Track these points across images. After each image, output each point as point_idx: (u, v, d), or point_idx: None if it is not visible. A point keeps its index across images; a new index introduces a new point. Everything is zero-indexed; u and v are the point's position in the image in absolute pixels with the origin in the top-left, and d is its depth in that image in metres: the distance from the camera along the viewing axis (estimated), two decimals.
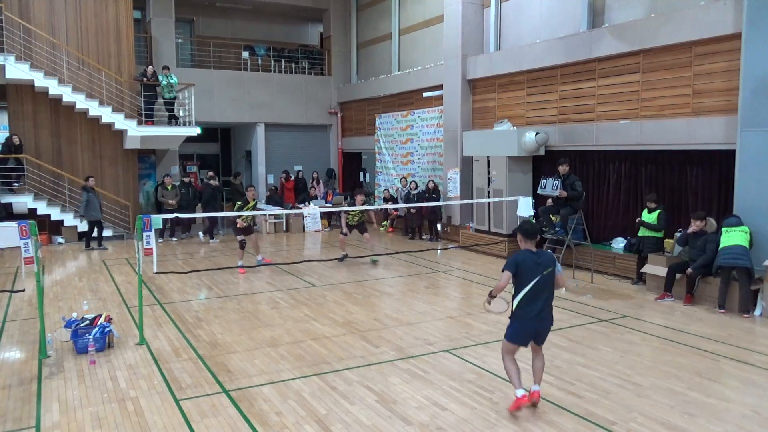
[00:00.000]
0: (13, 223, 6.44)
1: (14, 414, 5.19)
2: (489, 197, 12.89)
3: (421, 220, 15.25)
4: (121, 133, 15.44)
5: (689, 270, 8.71)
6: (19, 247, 6.38)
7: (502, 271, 5.08)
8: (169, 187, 15.07)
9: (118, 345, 6.97)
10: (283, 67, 20.82)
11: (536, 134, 11.92)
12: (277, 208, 16.50)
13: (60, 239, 14.81)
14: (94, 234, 14.10)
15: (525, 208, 9.71)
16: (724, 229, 8.42)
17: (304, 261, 12.14)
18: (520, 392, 5.09)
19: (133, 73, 15.78)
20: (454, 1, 14.25)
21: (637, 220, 9.96)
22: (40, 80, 14.11)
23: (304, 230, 16.95)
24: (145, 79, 15.41)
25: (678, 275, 8.93)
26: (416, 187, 15.56)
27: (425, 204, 13.42)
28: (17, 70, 13.83)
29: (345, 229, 11.87)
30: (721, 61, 9.19)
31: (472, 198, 13.63)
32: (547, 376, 5.65)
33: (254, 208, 11.66)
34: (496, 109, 13.79)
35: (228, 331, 7.53)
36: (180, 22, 19.62)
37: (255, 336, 7.33)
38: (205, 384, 5.81)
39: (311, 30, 23.47)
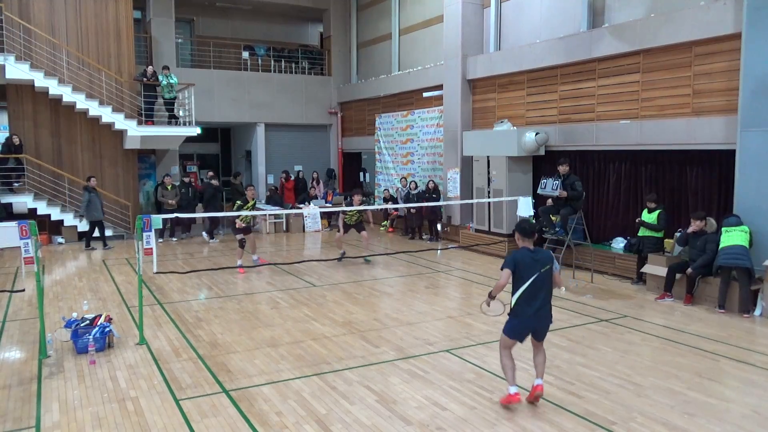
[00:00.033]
0: (13, 223, 6.44)
1: (14, 414, 5.19)
2: (489, 197, 12.89)
3: (421, 220, 15.25)
4: (121, 133, 15.44)
5: (689, 270, 8.71)
6: (19, 247, 6.39)
7: (501, 269, 5.14)
8: (169, 187, 15.07)
9: (118, 345, 6.97)
10: (283, 67, 20.82)
11: (536, 134, 11.92)
12: (277, 208, 16.50)
13: (60, 239, 14.81)
14: (96, 234, 14.10)
15: (525, 208, 9.71)
16: (723, 229, 8.42)
17: (304, 261, 12.15)
18: (513, 389, 5.16)
19: (133, 73, 15.78)
20: (454, 1, 14.25)
21: (637, 220, 9.96)
22: (40, 80, 14.11)
23: (304, 230, 16.95)
24: (145, 79, 15.41)
25: (678, 275, 8.94)
26: (416, 187, 15.56)
27: (425, 204, 13.44)
28: (17, 70, 13.83)
29: (341, 229, 11.93)
30: (721, 61, 9.19)
31: (472, 198, 13.63)
32: (547, 376, 5.65)
33: (253, 207, 11.66)
34: (496, 109, 13.79)
35: (228, 331, 7.53)
36: (180, 22, 19.63)
37: (255, 336, 7.34)
38: (205, 384, 5.81)
39: (311, 30, 23.48)
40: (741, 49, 8.58)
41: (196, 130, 15.92)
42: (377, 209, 17.69)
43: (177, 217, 10.59)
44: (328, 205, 17.86)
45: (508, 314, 5.27)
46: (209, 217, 15.04)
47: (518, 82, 13.08)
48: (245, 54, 20.44)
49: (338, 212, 12.02)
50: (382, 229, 17.40)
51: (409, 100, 17.25)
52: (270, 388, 5.69)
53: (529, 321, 5.18)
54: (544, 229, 10.49)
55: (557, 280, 5.29)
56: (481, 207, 13.41)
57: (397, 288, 10.06)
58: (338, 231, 12.08)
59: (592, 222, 11.45)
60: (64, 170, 14.95)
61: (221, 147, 23.05)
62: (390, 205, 16.38)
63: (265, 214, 15.96)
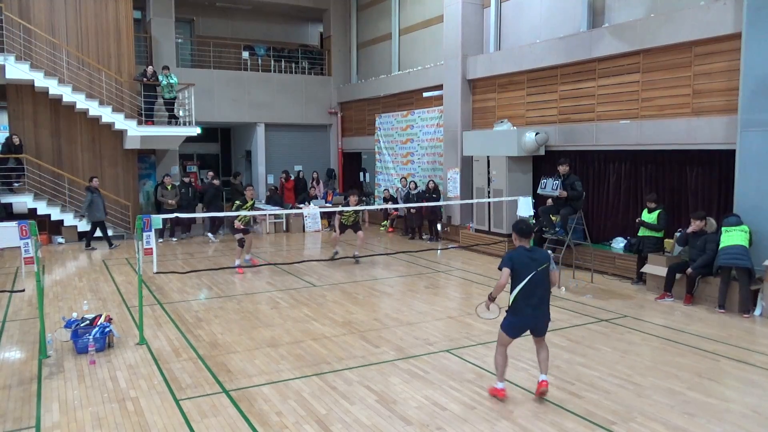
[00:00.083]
0: (13, 223, 6.44)
1: (14, 414, 5.19)
2: (489, 197, 12.89)
3: (421, 220, 15.25)
4: (121, 133, 15.44)
5: (689, 270, 8.71)
6: (19, 247, 6.38)
7: (499, 268, 5.24)
8: (168, 187, 15.07)
9: (118, 345, 6.97)
10: (283, 67, 20.82)
11: (536, 134, 11.92)
12: (277, 208, 16.51)
13: (60, 239, 14.81)
14: (99, 234, 14.10)
15: (525, 208, 9.71)
16: (723, 229, 8.42)
17: (304, 261, 12.15)
18: (500, 384, 5.38)
19: (133, 73, 15.78)
20: (454, 1, 14.25)
21: (637, 220, 9.96)
22: (40, 80, 14.11)
23: (304, 230, 16.95)
24: (145, 79, 15.41)
25: (678, 275, 8.94)
26: (416, 187, 15.56)
27: (425, 204, 13.44)
28: (17, 70, 13.83)
29: (337, 230, 11.98)
30: (720, 61, 9.19)
31: (472, 198, 13.63)
32: (547, 376, 5.65)
33: (252, 207, 11.67)
34: (496, 109, 13.79)
35: (228, 331, 7.53)
36: (180, 22, 19.62)
37: (255, 336, 7.34)
38: (205, 384, 5.81)
39: (311, 30, 23.47)
40: (741, 49, 8.59)
41: (196, 130, 15.92)
42: (377, 209, 17.71)
43: (177, 217, 10.59)
44: (328, 205, 17.85)
45: (506, 311, 5.37)
46: (212, 217, 15.01)
47: (518, 82, 13.08)
48: (245, 54, 20.44)
49: (335, 213, 12.06)
50: (381, 229, 17.40)
51: (409, 100, 17.26)
52: (270, 388, 5.69)
53: (526, 319, 5.28)
54: (544, 228, 10.49)
55: (554, 279, 5.37)
56: (481, 207, 13.41)
57: (397, 288, 10.06)
58: (334, 231, 12.10)
59: (592, 222, 11.45)
60: (64, 170, 14.95)
61: (221, 147, 23.06)
62: (390, 205, 16.39)
63: (265, 215, 15.95)
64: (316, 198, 18.75)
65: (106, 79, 15.27)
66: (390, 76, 18.16)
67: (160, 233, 14.71)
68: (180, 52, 19.24)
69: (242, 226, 11.15)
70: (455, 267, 11.82)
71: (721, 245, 8.35)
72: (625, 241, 10.90)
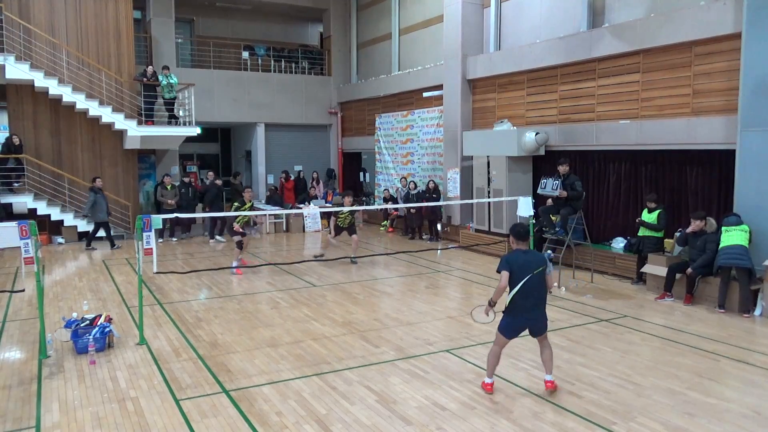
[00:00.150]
0: (13, 223, 6.44)
1: (14, 414, 5.19)
2: (489, 197, 12.89)
3: (421, 220, 15.25)
4: (121, 133, 15.44)
5: (689, 270, 8.71)
6: (19, 247, 6.38)
7: (498, 272, 5.35)
8: (168, 187, 15.07)
9: (118, 345, 6.97)
10: (283, 67, 20.82)
11: (536, 134, 11.92)
12: (277, 208, 16.51)
13: (60, 239, 14.81)
14: (102, 234, 14.10)
15: (525, 208, 9.71)
16: (723, 229, 8.43)
17: (304, 261, 12.14)
18: (488, 380, 5.57)
19: (133, 73, 15.78)
20: (454, 1, 14.25)
21: (637, 220, 9.96)
22: (40, 80, 14.11)
23: (304, 230, 16.95)
24: (145, 79, 15.41)
25: (678, 275, 8.93)
26: (415, 187, 15.57)
27: (425, 204, 13.44)
28: (17, 70, 13.82)
29: (331, 231, 11.99)
30: (720, 61, 9.19)
31: (472, 198, 13.63)
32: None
33: (251, 210, 11.69)
34: (496, 109, 13.79)
35: (228, 331, 7.53)
36: (180, 22, 19.62)
37: (255, 336, 7.34)
38: (205, 384, 5.81)
39: (311, 30, 23.48)
40: (741, 49, 8.58)
41: (196, 130, 15.92)
42: (377, 209, 17.71)
43: (177, 217, 10.60)
44: (328, 205, 17.85)
45: (503, 312, 5.46)
46: (215, 218, 14.98)
47: (518, 82, 13.08)
48: (245, 54, 20.44)
49: (330, 215, 12.11)
50: (381, 229, 17.40)
51: (409, 100, 17.26)
52: (270, 388, 5.69)
53: (522, 320, 5.40)
54: (544, 228, 10.49)
55: (550, 282, 5.52)
56: (481, 207, 13.41)
57: (397, 288, 10.06)
58: (329, 233, 12.11)
59: (592, 222, 11.45)
60: (64, 170, 14.95)
61: (221, 147, 23.06)
62: (390, 205, 16.39)
63: (264, 214, 15.95)
64: (316, 198, 18.76)
65: (106, 79, 15.27)
66: (390, 76, 18.16)
67: (160, 233, 14.70)
68: (180, 52, 19.24)
69: (240, 229, 11.17)
70: (455, 267, 11.82)
71: (721, 245, 8.35)
72: (625, 241, 10.90)
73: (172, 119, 16.00)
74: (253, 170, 20.53)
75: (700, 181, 9.82)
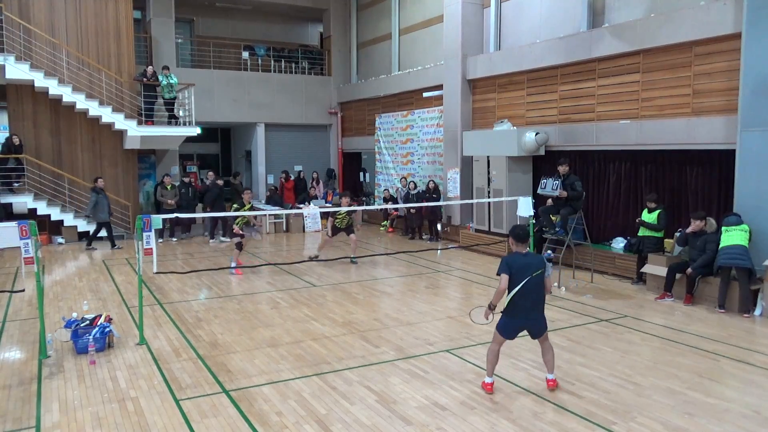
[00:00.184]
0: (13, 223, 6.44)
1: (14, 414, 5.19)
2: (489, 197, 12.89)
3: (421, 220, 15.25)
4: (121, 133, 15.44)
5: (689, 270, 8.71)
6: (19, 247, 6.38)
7: (498, 275, 5.39)
8: (168, 187, 15.06)
9: (118, 345, 6.97)
10: (283, 67, 20.82)
11: (536, 134, 11.92)
12: (277, 208, 16.50)
13: (60, 239, 14.81)
14: (103, 234, 14.12)
15: (525, 208, 9.71)
16: (723, 229, 8.43)
17: (304, 261, 12.14)
18: (488, 379, 5.58)
19: (133, 73, 15.78)
20: (454, 1, 14.25)
21: (637, 220, 9.96)
22: (40, 80, 14.11)
23: (304, 230, 16.95)
24: (145, 79, 15.41)
25: (678, 275, 8.93)
26: (415, 187, 15.57)
27: (425, 204, 13.44)
28: (17, 70, 13.82)
29: (329, 232, 12.01)
30: (721, 61, 9.19)
31: (472, 198, 13.63)
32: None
33: (250, 211, 11.70)
34: (496, 109, 13.79)
35: (228, 331, 7.53)
36: (180, 22, 19.62)
37: (255, 336, 7.33)
38: (205, 384, 5.81)
39: (311, 30, 23.48)
40: (741, 49, 8.59)
41: (196, 130, 15.92)
42: (377, 209, 17.70)
43: (177, 217, 10.62)
44: (328, 205, 17.85)
45: (502, 312, 5.50)
46: (216, 218, 14.97)
47: (518, 82, 13.08)
48: (245, 54, 20.45)
49: (328, 215, 12.14)
50: (381, 229, 17.40)
51: (409, 100, 17.25)
52: (270, 388, 5.69)
53: (520, 321, 5.45)
54: (544, 229, 10.49)
55: (548, 285, 5.57)
56: (481, 207, 13.41)
57: (397, 288, 10.06)
58: (327, 234, 12.15)
59: (592, 222, 11.45)
60: (64, 170, 14.95)
61: (221, 147, 23.06)
62: (390, 205, 16.38)
63: (264, 215, 15.95)
64: (316, 198, 18.75)
65: (106, 79, 15.27)
66: (390, 76, 18.16)
67: (160, 233, 14.70)
68: (180, 52, 19.24)
69: (240, 231, 11.19)
70: (455, 267, 11.82)
71: (721, 245, 8.35)
72: (625, 241, 10.90)
73: (172, 119, 16.00)
74: (253, 170, 20.53)
75: (700, 181, 9.82)
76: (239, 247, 11.21)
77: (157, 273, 9.41)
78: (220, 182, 16.01)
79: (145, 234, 6.87)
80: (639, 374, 6.01)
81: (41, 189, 14.65)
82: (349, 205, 11.93)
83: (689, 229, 8.91)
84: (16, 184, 14.45)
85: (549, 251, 10.30)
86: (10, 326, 7.83)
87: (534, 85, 12.66)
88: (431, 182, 15.08)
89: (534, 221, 9.87)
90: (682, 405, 5.29)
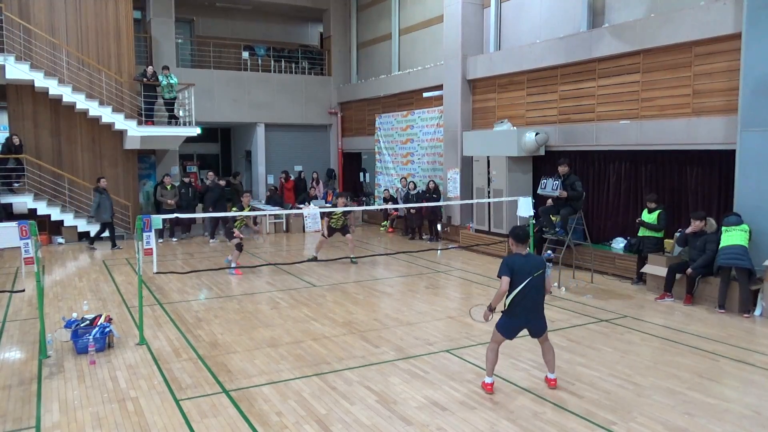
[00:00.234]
0: (13, 224, 6.44)
1: (14, 414, 5.19)
2: (489, 197, 12.89)
3: (421, 220, 15.25)
4: (121, 134, 15.44)
5: (689, 270, 8.71)
6: (19, 247, 6.38)
7: (499, 276, 5.40)
8: (168, 187, 15.06)
9: (118, 345, 6.97)
10: (283, 67, 20.82)
11: (536, 134, 11.92)
12: (277, 208, 16.51)
13: (60, 239, 14.81)
14: (106, 234, 14.13)
15: (525, 208, 9.71)
16: (723, 229, 8.43)
17: (304, 261, 12.14)
18: (488, 379, 5.58)
19: (133, 73, 15.78)
20: (454, 1, 14.25)
21: (637, 220, 9.96)
22: (40, 80, 14.11)
23: (304, 230, 16.95)
24: (145, 79, 15.41)
25: (678, 275, 8.93)
26: (415, 187, 15.57)
27: (425, 204, 13.44)
28: (17, 70, 13.83)
29: (325, 232, 12.03)
30: (721, 61, 9.19)
31: (472, 198, 13.63)
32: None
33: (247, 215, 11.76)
34: (496, 109, 13.79)
35: (228, 331, 7.53)
36: (180, 22, 19.62)
37: (255, 336, 7.33)
38: (205, 384, 5.81)
39: (311, 30, 23.48)
40: (741, 49, 8.59)
41: (196, 130, 15.92)
42: (377, 209, 17.70)
43: (177, 217, 10.61)
44: (327, 205, 17.85)
45: (502, 311, 5.52)
46: (217, 218, 14.96)
47: (518, 82, 13.08)
48: (245, 54, 20.45)
49: (323, 216, 12.17)
50: (381, 229, 17.40)
51: (409, 100, 17.25)
52: (270, 388, 5.69)
53: (520, 321, 5.47)
54: (544, 229, 10.49)
55: (548, 285, 5.59)
56: (481, 207, 13.41)
57: (397, 288, 10.06)
58: (323, 234, 12.18)
59: (592, 222, 11.45)
60: (64, 170, 14.96)
61: (221, 147, 23.06)
62: (390, 205, 16.38)
63: (264, 215, 15.94)
64: (316, 198, 18.75)
65: (106, 79, 15.28)
66: (390, 76, 18.16)
67: (160, 233, 14.70)
68: (180, 52, 19.24)
69: (241, 234, 11.23)
70: (455, 267, 11.82)
71: (721, 245, 8.35)
72: (625, 241, 10.90)
73: (172, 119, 16.00)
74: (253, 170, 20.53)
75: (700, 181, 9.82)
76: (239, 248, 11.21)
77: (157, 273, 9.42)
78: (222, 183, 16.01)
79: (145, 234, 6.88)
80: (639, 374, 6.01)
81: (41, 189, 14.66)
82: (345, 206, 11.96)
83: (689, 230, 8.91)
84: (16, 184, 14.46)
85: (549, 251, 10.29)
86: (10, 326, 7.83)
87: (534, 85, 12.66)
88: (431, 182, 15.08)
89: (534, 221, 9.87)
90: (682, 405, 5.29)
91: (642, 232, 9.82)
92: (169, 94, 15.74)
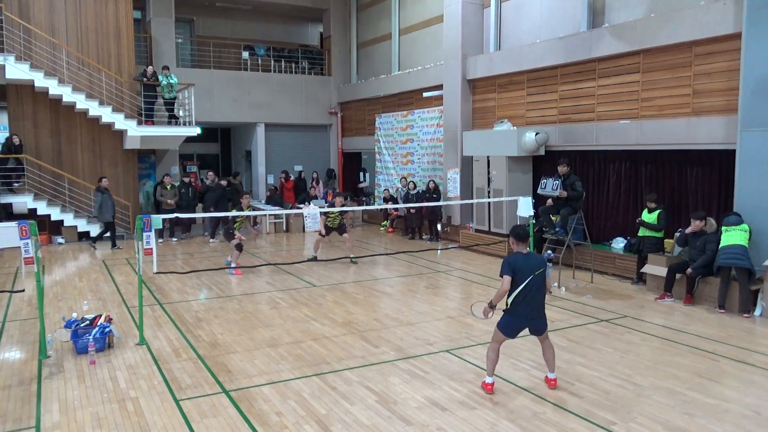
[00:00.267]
0: (13, 223, 6.44)
1: (14, 414, 5.19)
2: (489, 197, 12.89)
3: (421, 220, 15.25)
4: (121, 133, 15.44)
5: (689, 270, 8.71)
6: (19, 247, 6.38)
7: (501, 275, 5.41)
8: (168, 187, 15.06)
9: (118, 345, 6.97)
10: (283, 67, 20.82)
11: (536, 134, 11.92)
12: (277, 208, 16.50)
13: (60, 239, 14.81)
14: (107, 234, 14.15)
15: (525, 208, 9.71)
16: (723, 228, 8.43)
17: (304, 261, 12.14)
18: (489, 379, 5.58)
19: (133, 73, 15.78)
20: (454, 1, 14.25)
21: (637, 220, 9.96)
22: (40, 80, 14.11)
23: (304, 230, 16.95)
24: (145, 79, 15.41)
25: (678, 275, 8.93)
26: (414, 187, 15.57)
27: (425, 204, 13.44)
28: (17, 70, 13.83)
29: (323, 230, 12.04)
30: (721, 61, 9.19)
31: (472, 198, 13.63)
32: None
33: (246, 216, 11.77)
34: (496, 109, 13.79)
35: (228, 332, 7.53)
36: (180, 22, 19.62)
37: (255, 336, 7.33)
38: (205, 384, 5.81)
39: (311, 30, 23.48)
40: (741, 49, 8.58)
41: (196, 130, 15.92)
42: (377, 209, 17.70)
43: (177, 217, 10.64)
44: (327, 205, 17.84)
45: (504, 311, 5.53)
46: (218, 218, 14.95)
47: (518, 82, 13.08)
48: (245, 54, 20.45)
49: (321, 215, 12.20)
50: (381, 229, 17.40)
51: (409, 100, 17.26)
52: (270, 389, 5.69)
53: (522, 320, 5.48)
54: (544, 229, 10.49)
55: (549, 284, 5.63)
56: (481, 207, 13.41)
57: (397, 288, 10.06)
58: (320, 233, 12.17)
59: (592, 222, 11.45)
60: (64, 170, 14.95)
61: (221, 147, 23.06)
62: (390, 205, 16.39)
63: (264, 215, 15.94)
64: (316, 198, 18.75)
65: (106, 79, 15.28)
66: (390, 76, 18.16)
67: (159, 233, 14.70)
68: (180, 52, 19.24)
69: (242, 237, 11.27)
70: (455, 267, 11.82)
71: (721, 245, 8.35)
72: (625, 241, 10.90)
73: (172, 119, 16.00)
74: (253, 170, 20.53)
75: (700, 181, 9.82)
76: (239, 248, 11.21)
77: (157, 273, 9.43)
78: (224, 183, 16.01)
79: (145, 234, 6.88)
80: (639, 374, 6.01)
81: (41, 189, 14.66)
82: (343, 206, 11.97)
83: (689, 230, 8.91)
84: (16, 184, 14.46)
85: (549, 251, 10.29)
86: (10, 326, 7.83)
87: (534, 85, 12.66)
88: (431, 182, 15.08)
89: (534, 221, 9.87)
90: (682, 405, 5.29)
91: (642, 232, 9.82)
92: (169, 94, 15.74)
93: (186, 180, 16.04)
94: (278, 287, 10.03)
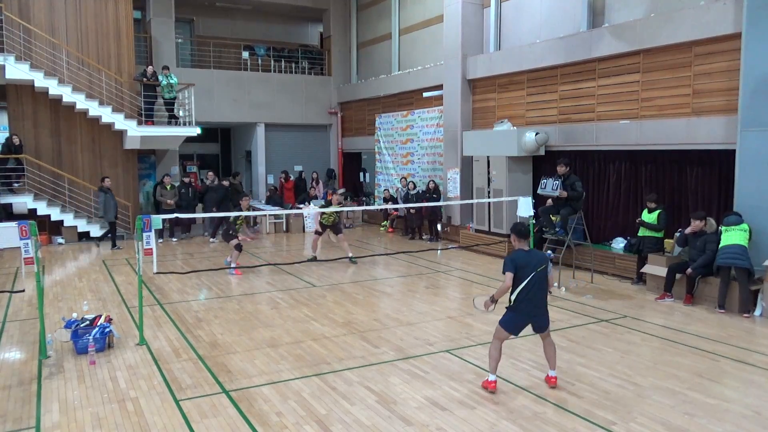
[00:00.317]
0: (13, 224, 6.44)
1: (14, 414, 5.19)
2: (489, 197, 12.89)
3: (421, 220, 15.25)
4: (121, 133, 15.44)
5: (689, 270, 8.71)
6: (19, 247, 6.39)
7: (503, 272, 5.44)
8: (168, 187, 15.06)
9: (118, 345, 6.97)
10: (283, 67, 20.82)
11: (536, 134, 11.92)
12: (277, 208, 16.50)
13: (60, 239, 14.81)
14: (110, 233, 14.19)
15: (525, 208, 9.71)
16: (723, 228, 8.43)
17: (304, 261, 12.14)
18: (491, 377, 5.59)
19: (133, 73, 15.78)
20: (454, 1, 14.25)
21: (637, 220, 9.96)
22: (40, 80, 14.11)
23: (304, 230, 16.95)
24: (145, 79, 15.41)
25: (678, 275, 8.93)
26: (414, 187, 15.57)
27: (425, 204, 13.43)
28: (17, 70, 13.82)
29: (319, 228, 12.07)
30: (721, 61, 9.19)
31: (472, 198, 13.63)
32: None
33: (245, 217, 11.78)
34: (496, 109, 13.79)
35: (228, 332, 7.53)
36: (180, 22, 19.63)
37: (255, 336, 7.33)
38: (205, 384, 5.81)
39: (311, 30, 23.48)
40: (741, 49, 8.59)
41: (196, 130, 15.92)
42: (377, 209, 17.70)
43: (176, 217, 10.65)
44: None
45: (506, 307, 5.56)
46: (219, 218, 14.94)
47: (518, 82, 13.08)
48: (245, 54, 20.45)
49: (317, 213, 12.24)
50: (381, 229, 17.40)
51: (409, 100, 17.25)
52: (270, 389, 5.69)
53: (525, 317, 5.52)
54: (544, 229, 10.49)
55: (550, 281, 5.66)
56: (481, 207, 13.40)
57: (397, 288, 10.06)
58: (315, 231, 12.20)
59: (592, 222, 11.44)
60: (64, 170, 14.95)
61: (221, 147, 23.06)
62: (390, 205, 16.38)
63: (264, 215, 15.93)
64: (316, 198, 18.74)
65: (106, 79, 15.28)
66: (390, 76, 18.16)
67: (159, 233, 14.71)
68: (180, 52, 19.24)
69: (246, 238, 11.30)
70: (455, 267, 11.81)
71: (721, 245, 8.35)
72: (625, 241, 10.90)
73: (172, 119, 16.00)
74: (253, 170, 20.53)
75: (700, 181, 9.82)
76: (238, 248, 11.22)
77: (157, 273, 9.43)
78: (226, 183, 16.00)
79: (145, 234, 6.88)
80: (639, 374, 6.01)
81: (41, 189, 14.65)
82: (339, 204, 11.97)
83: (689, 229, 8.91)
84: (16, 185, 14.46)
85: (549, 251, 10.29)
86: (10, 326, 7.83)
87: (534, 85, 12.66)
88: (431, 182, 15.08)
89: (534, 221, 9.87)
90: (682, 405, 5.29)
91: (642, 232, 9.82)
92: (169, 94, 15.74)
93: (186, 180, 16.03)
94: (278, 287, 10.03)
